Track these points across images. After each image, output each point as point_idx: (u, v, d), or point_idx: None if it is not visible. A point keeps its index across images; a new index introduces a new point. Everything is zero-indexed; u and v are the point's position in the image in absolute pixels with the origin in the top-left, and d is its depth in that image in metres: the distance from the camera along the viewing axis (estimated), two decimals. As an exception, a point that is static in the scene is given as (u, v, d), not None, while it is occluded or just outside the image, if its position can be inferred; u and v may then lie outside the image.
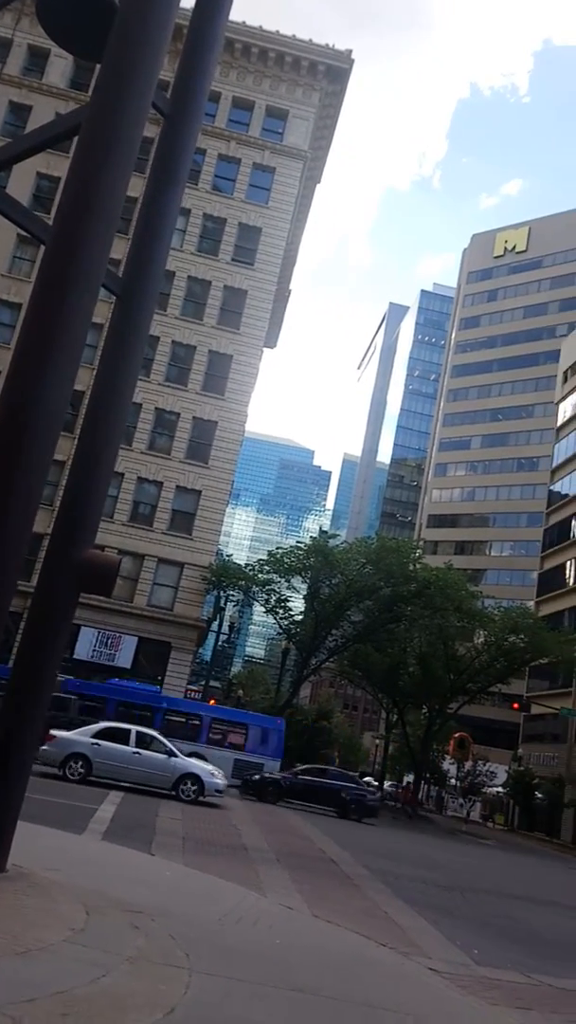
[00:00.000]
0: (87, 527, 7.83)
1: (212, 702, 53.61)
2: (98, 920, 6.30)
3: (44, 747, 20.95)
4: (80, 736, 21.27)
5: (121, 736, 21.53)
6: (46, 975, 4.72)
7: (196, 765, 22.36)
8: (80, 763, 20.55)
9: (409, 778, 55.66)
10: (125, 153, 6.15)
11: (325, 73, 41.72)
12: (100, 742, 21.02)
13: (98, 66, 6.95)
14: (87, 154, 6.09)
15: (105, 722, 24.04)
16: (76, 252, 5.94)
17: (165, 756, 21.44)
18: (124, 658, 35.99)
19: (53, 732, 21.77)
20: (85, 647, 35.59)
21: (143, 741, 21.63)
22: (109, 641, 35.98)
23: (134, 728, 22.38)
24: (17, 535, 6.30)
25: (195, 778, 21.31)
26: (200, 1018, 4.66)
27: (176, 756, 21.77)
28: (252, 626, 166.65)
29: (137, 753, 21.12)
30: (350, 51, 41.63)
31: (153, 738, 22.16)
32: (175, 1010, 4.62)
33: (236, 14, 40.61)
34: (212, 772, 22.14)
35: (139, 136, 6.37)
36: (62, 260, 5.90)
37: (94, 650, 35.80)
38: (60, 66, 39.69)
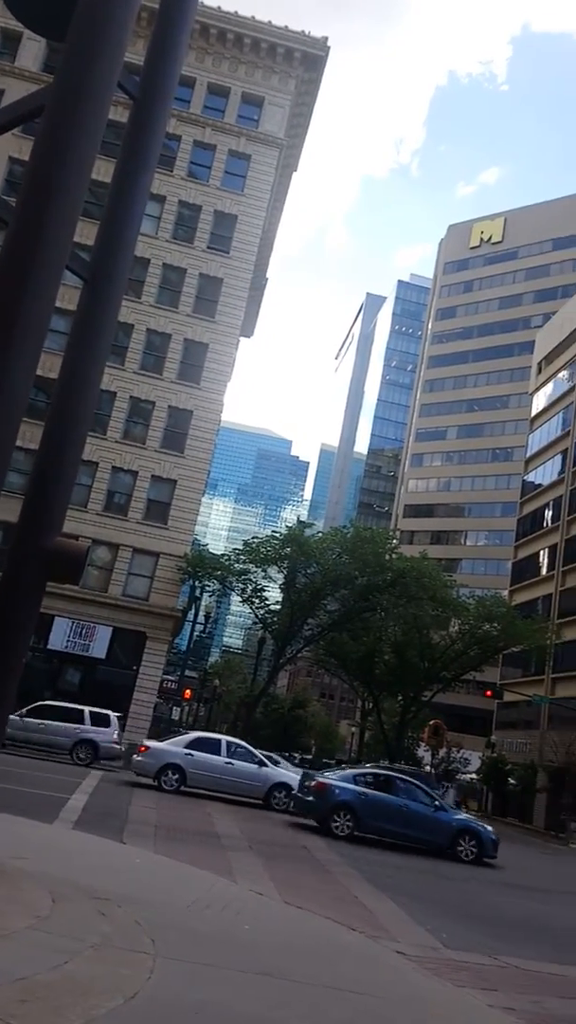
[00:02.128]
0: (54, 515, 7.75)
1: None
2: (64, 907, 6.28)
3: (138, 757, 21.06)
4: (174, 746, 21.26)
5: (212, 746, 21.54)
6: (8, 962, 4.70)
7: (286, 774, 22.40)
8: (175, 774, 20.48)
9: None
10: (89, 133, 6.06)
11: (301, 60, 41.47)
12: (194, 752, 20.93)
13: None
14: (51, 134, 5.99)
15: (197, 732, 23.95)
16: (39, 234, 5.85)
17: (256, 766, 21.43)
18: (99, 648, 35.86)
19: (146, 743, 21.94)
20: (59, 637, 35.41)
21: (233, 751, 21.60)
22: (83, 631, 35.81)
23: (224, 738, 22.49)
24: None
25: (287, 787, 21.25)
26: (162, 1002, 4.67)
27: (266, 765, 21.77)
28: (230, 616, 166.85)
29: (229, 763, 21.09)
30: (326, 38, 41.41)
31: (243, 748, 22.15)
32: (137, 995, 4.62)
33: (210, 0, 40.32)
34: None
35: (104, 116, 6.29)
36: (24, 242, 5.82)
37: (68, 640, 35.63)
38: (32, 49, 39.08)
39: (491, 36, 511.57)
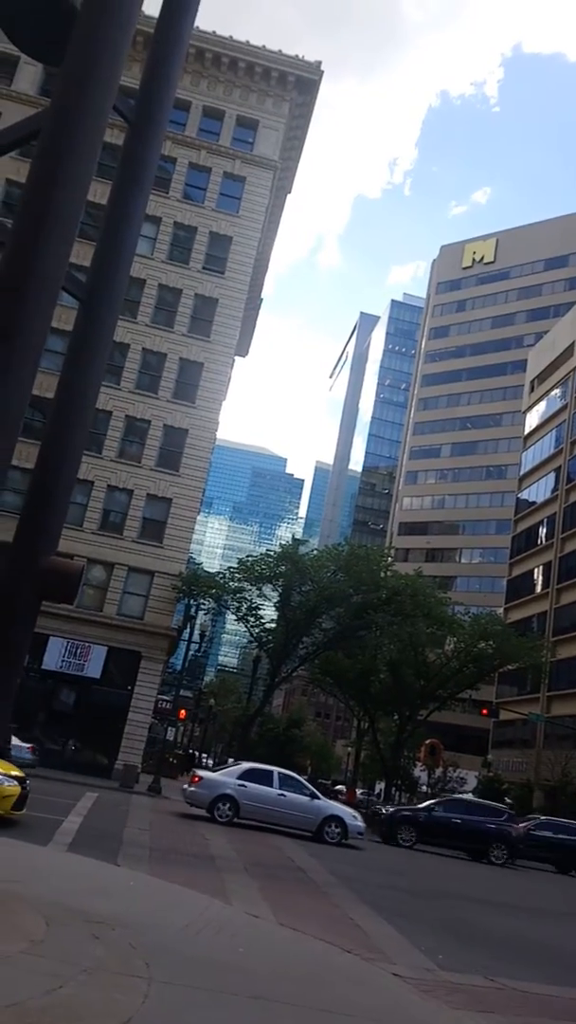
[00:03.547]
0: (49, 535, 7.75)
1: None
2: (58, 931, 6.23)
3: (191, 788, 20.95)
4: (226, 777, 21.14)
5: (264, 777, 21.40)
6: (1, 987, 4.65)
7: (338, 807, 22.34)
8: (228, 805, 20.35)
9: (381, 786, 55.74)
10: (85, 156, 6.14)
11: (295, 84, 41.99)
12: (247, 784, 20.81)
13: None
14: (47, 157, 6.07)
15: (248, 763, 23.94)
16: (36, 255, 5.91)
17: (308, 798, 21.31)
18: (93, 668, 35.64)
19: (199, 773, 21.86)
20: (54, 657, 35.18)
21: (286, 783, 21.47)
22: (78, 651, 35.61)
23: (276, 769, 22.30)
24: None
25: (339, 820, 21.18)
26: (157, 1027, 4.62)
27: (318, 798, 21.65)
28: (225, 635, 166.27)
29: (282, 795, 20.95)
30: (319, 63, 41.97)
31: (295, 779, 22.03)
32: (131, 1020, 4.57)
33: (206, 23, 41.53)
34: (354, 815, 22.16)
35: (100, 139, 6.38)
36: (22, 263, 5.88)
37: (63, 660, 35.41)
38: (29, 73, 39.50)
39: (483, 58, 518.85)
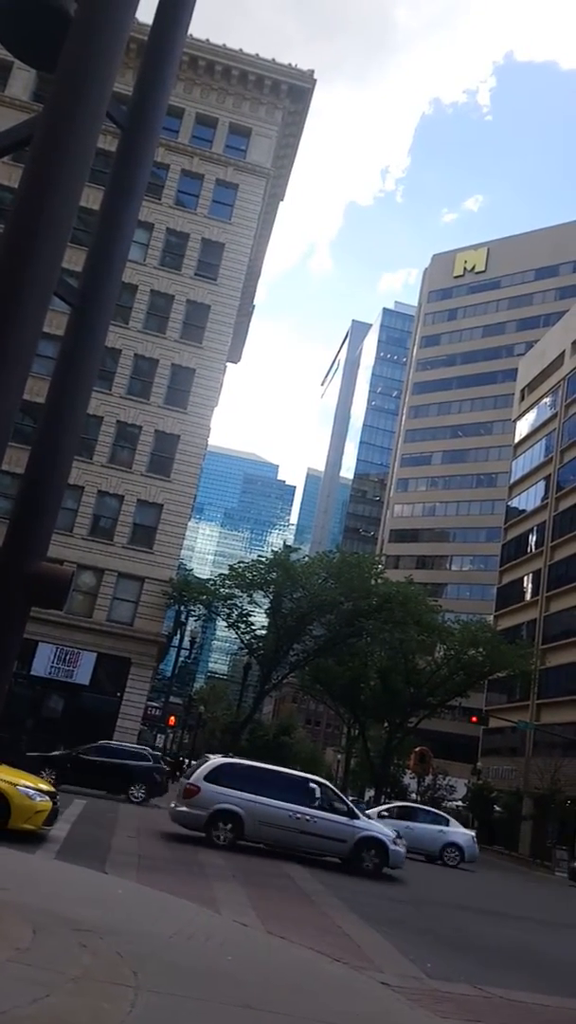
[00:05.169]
0: (39, 539, 7.72)
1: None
2: (45, 939, 6.18)
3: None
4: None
5: None
6: (-14, 996, 4.61)
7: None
8: None
9: (371, 792, 55.66)
10: (78, 162, 6.14)
11: (288, 92, 42.19)
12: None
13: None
14: (39, 163, 6.07)
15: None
16: (27, 261, 5.90)
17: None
18: (82, 674, 35.50)
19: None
20: (43, 663, 35.04)
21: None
22: (67, 657, 35.47)
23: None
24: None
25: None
26: (144, 1036, 4.59)
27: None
28: (215, 641, 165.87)
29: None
30: (312, 71, 42.21)
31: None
32: (118, 1029, 4.54)
33: (200, 31, 41.29)
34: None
35: (93, 145, 6.38)
36: (13, 269, 5.87)
37: (52, 666, 35.27)
38: (23, 79, 39.53)
39: (476, 66, 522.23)
